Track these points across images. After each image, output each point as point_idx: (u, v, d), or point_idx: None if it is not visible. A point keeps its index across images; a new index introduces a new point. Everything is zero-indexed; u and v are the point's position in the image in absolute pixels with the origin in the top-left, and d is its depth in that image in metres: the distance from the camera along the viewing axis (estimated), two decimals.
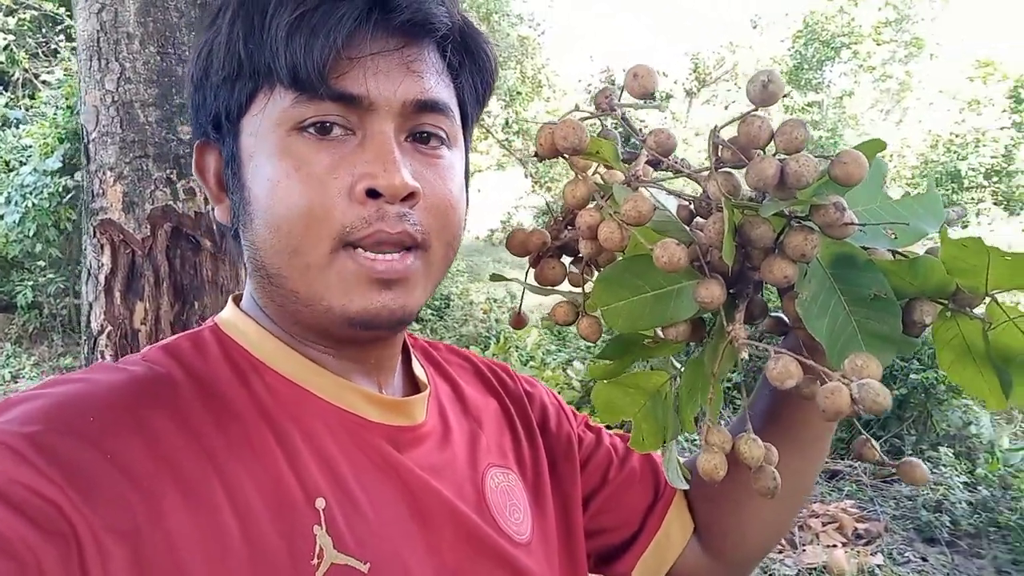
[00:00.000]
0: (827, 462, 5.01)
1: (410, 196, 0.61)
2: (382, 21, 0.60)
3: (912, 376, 5.00)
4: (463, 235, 0.70)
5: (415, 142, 0.64)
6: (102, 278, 1.54)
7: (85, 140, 1.55)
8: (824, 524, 4.14)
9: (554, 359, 5.75)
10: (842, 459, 5.04)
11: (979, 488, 4.38)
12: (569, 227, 0.67)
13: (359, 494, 0.63)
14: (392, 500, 0.65)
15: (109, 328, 1.54)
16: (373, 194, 0.60)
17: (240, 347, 0.68)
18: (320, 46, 0.58)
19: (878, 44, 15.82)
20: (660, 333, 0.64)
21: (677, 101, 15.66)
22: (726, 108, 16.29)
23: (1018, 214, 11.42)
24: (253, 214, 0.64)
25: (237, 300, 0.74)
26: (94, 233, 1.55)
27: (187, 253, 1.57)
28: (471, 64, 0.69)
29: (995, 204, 12.05)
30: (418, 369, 0.79)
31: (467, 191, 0.72)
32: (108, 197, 1.52)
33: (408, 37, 0.62)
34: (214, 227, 1.60)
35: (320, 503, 0.60)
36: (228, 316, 0.71)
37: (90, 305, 1.57)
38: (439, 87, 0.65)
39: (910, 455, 4.86)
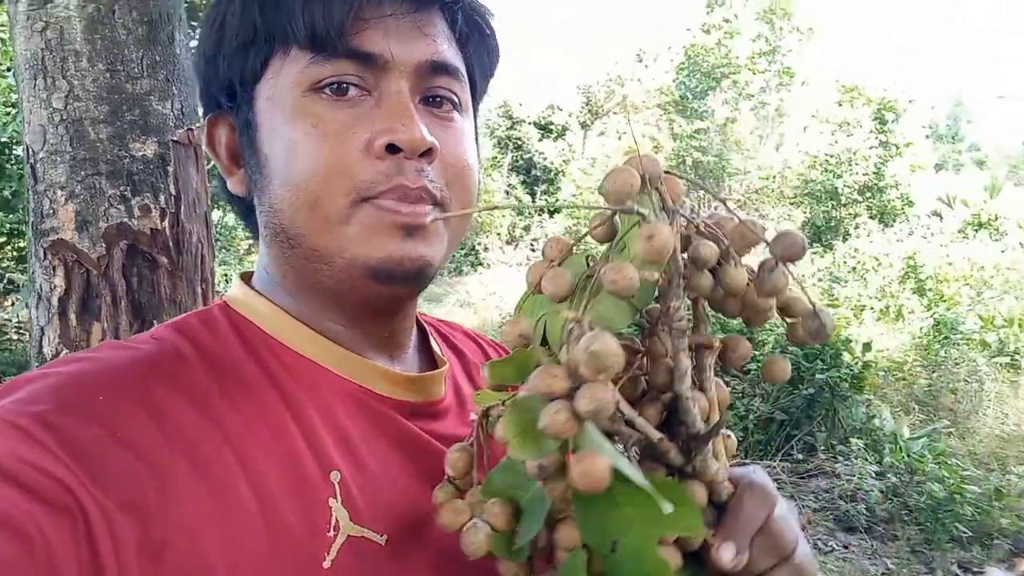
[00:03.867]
0: (747, 463, 5.23)
1: (428, 152, 0.61)
2: None
3: (818, 376, 5.30)
4: (476, 204, 0.70)
5: (428, 105, 0.65)
6: (55, 300, 1.49)
7: (31, 160, 1.50)
8: None
9: None
10: (761, 460, 5.26)
11: (888, 476, 4.66)
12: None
13: (375, 467, 0.63)
14: (409, 472, 0.65)
15: (65, 351, 1.48)
16: (392, 149, 0.60)
17: (250, 323, 0.66)
18: (339, 6, 0.59)
19: (754, 74, 16.85)
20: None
21: (573, 133, 16.13)
22: (619, 139, 16.91)
23: (891, 226, 12.30)
24: (271, 175, 0.63)
25: (245, 278, 0.72)
26: (44, 255, 1.49)
27: (144, 271, 1.53)
28: (478, 37, 0.70)
29: (870, 218, 12.95)
30: (435, 346, 0.79)
31: (477, 161, 0.73)
32: (59, 217, 1.48)
33: (419, 2, 0.63)
34: (170, 244, 1.58)
35: (335, 476, 0.60)
36: (237, 294, 0.70)
37: (41, 330, 1.51)
38: (451, 51, 0.66)
39: (823, 450, 5.10)
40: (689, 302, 0.52)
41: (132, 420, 0.53)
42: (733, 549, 0.52)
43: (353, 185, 0.60)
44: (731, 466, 0.57)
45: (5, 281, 6.26)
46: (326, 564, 0.56)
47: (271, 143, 0.63)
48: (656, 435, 0.52)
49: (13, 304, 6.29)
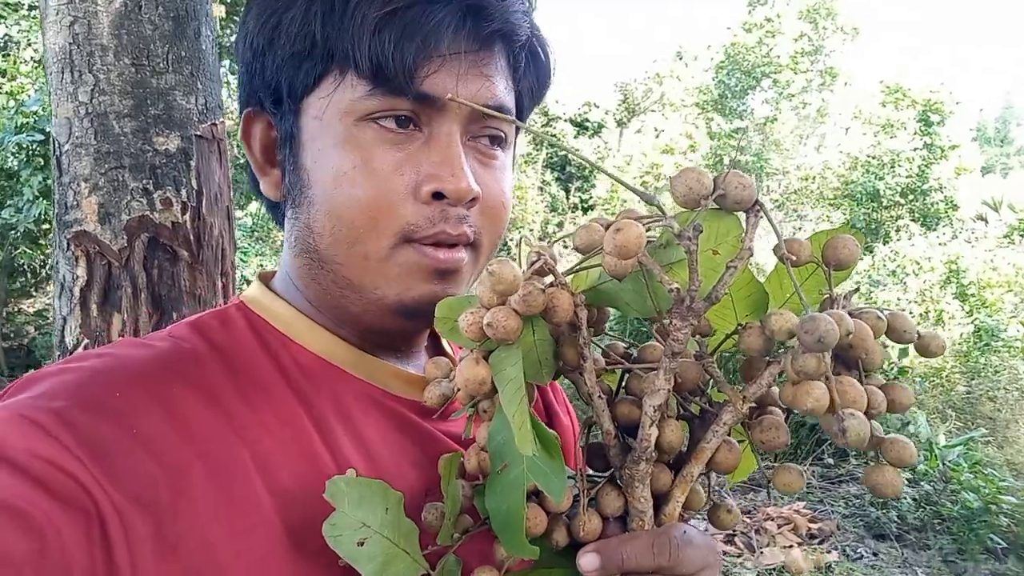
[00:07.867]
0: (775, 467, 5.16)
1: (472, 200, 0.62)
2: (473, 29, 0.61)
3: None
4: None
5: (474, 140, 0.65)
6: (77, 291, 1.52)
7: (57, 152, 1.54)
8: (779, 526, 4.25)
9: None
10: (791, 463, 5.19)
11: (921, 484, 4.57)
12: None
13: (389, 465, 0.63)
14: (423, 470, 0.65)
15: (86, 341, 1.51)
16: (438, 196, 0.61)
17: (267, 323, 0.67)
18: (415, 49, 0.58)
19: (796, 73, 16.59)
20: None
21: (609, 131, 16.02)
22: (656, 136, 16.78)
23: (934, 229, 12.01)
24: (313, 199, 0.63)
25: (264, 279, 0.73)
26: (68, 246, 1.53)
27: (164, 264, 1.56)
28: (534, 66, 0.70)
29: (912, 220, 12.67)
30: (448, 348, 0.80)
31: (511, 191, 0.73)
32: (83, 208, 1.51)
33: (485, 42, 0.63)
34: (191, 237, 1.60)
35: (351, 473, 0.60)
36: (254, 294, 0.70)
37: (64, 319, 1.54)
38: (505, 91, 0.65)
39: (854, 455, 5.01)
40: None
41: (148, 418, 0.54)
42: (596, 561, 0.54)
43: (397, 227, 0.61)
44: (707, 531, 0.59)
45: (48, 267, 6.42)
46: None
47: (316, 164, 0.63)
48: (607, 423, 0.56)
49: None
